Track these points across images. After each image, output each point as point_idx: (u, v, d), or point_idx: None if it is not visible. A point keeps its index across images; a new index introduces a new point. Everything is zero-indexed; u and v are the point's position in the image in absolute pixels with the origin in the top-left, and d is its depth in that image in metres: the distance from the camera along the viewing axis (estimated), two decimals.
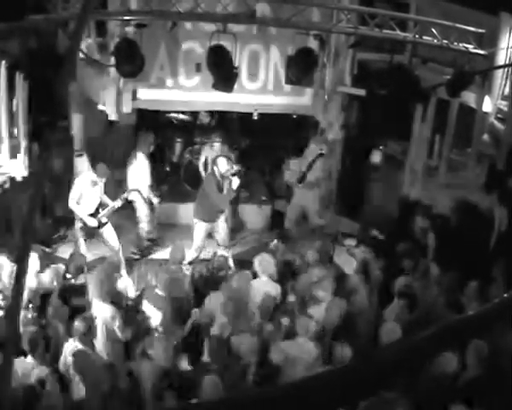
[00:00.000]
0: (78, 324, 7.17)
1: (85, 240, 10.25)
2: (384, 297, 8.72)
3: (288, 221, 12.20)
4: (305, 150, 12.17)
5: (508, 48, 9.57)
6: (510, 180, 9.60)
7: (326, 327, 7.80)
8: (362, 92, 11.50)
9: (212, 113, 13.21)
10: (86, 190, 9.97)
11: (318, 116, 12.42)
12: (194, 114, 13.33)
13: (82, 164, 10.98)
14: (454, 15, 9.83)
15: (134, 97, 11.35)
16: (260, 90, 11.86)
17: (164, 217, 12.47)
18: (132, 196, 10.81)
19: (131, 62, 9.35)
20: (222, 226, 10.87)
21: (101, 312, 7.75)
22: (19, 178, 9.62)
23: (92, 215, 10.09)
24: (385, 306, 8.48)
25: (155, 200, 11.18)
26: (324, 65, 11.67)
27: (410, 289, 8.44)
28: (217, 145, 12.10)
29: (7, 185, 9.52)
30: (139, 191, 10.90)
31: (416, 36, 9.73)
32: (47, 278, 8.48)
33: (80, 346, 7.03)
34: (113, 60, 9.61)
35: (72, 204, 9.96)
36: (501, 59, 9.67)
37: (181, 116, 13.38)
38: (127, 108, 11.28)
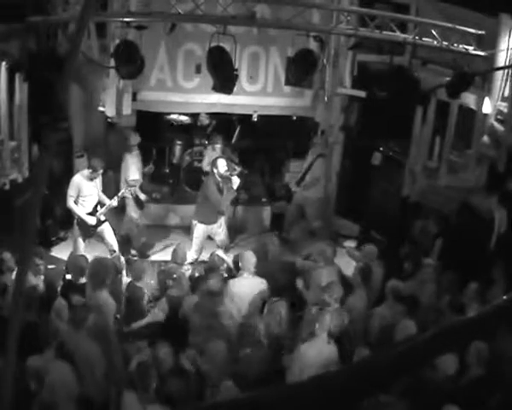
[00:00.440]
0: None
1: (84, 240, 10.26)
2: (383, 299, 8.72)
3: (288, 223, 12.22)
4: (308, 154, 12.20)
5: (508, 49, 9.56)
6: (510, 182, 9.60)
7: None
8: (362, 94, 11.51)
9: (211, 114, 13.20)
10: (83, 186, 9.96)
11: (318, 118, 12.44)
12: (194, 116, 13.32)
13: (82, 165, 10.98)
14: (454, 17, 9.83)
15: (134, 99, 11.37)
16: (260, 91, 11.88)
17: (164, 218, 12.50)
18: (126, 195, 10.81)
19: (131, 64, 9.35)
20: (221, 228, 10.88)
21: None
22: (19, 180, 9.64)
23: (90, 214, 10.10)
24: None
25: (142, 196, 11.14)
26: (324, 66, 11.68)
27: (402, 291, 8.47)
28: (218, 147, 12.10)
29: (7, 187, 9.53)
30: (132, 191, 10.92)
31: (416, 37, 9.72)
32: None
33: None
34: (113, 61, 9.61)
35: (70, 203, 9.96)
36: (501, 60, 9.66)
37: (181, 118, 13.38)
38: (127, 109, 11.30)
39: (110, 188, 10.85)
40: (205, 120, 13.43)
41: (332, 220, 12.51)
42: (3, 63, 8.95)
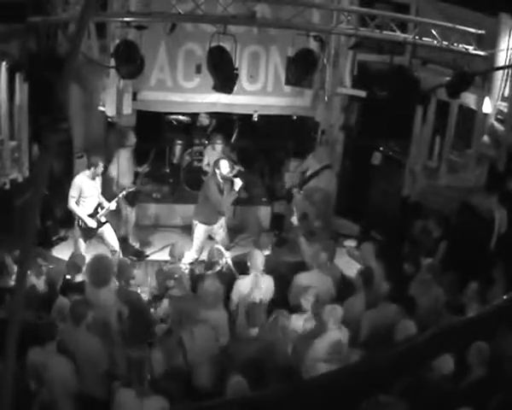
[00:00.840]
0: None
1: (85, 241, 10.26)
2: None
3: (288, 223, 12.20)
4: (310, 155, 12.17)
5: (507, 49, 9.56)
6: (510, 182, 9.60)
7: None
8: (362, 93, 11.51)
9: (211, 114, 13.20)
10: (85, 187, 9.98)
11: (318, 117, 12.44)
12: (194, 116, 13.32)
13: (82, 165, 10.98)
14: (454, 17, 9.83)
15: (134, 99, 11.38)
16: (260, 91, 11.88)
17: (164, 218, 12.50)
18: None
19: (131, 64, 9.36)
20: (222, 228, 10.87)
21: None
22: (19, 180, 9.64)
23: (91, 216, 10.11)
24: None
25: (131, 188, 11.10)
26: (324, 66, 11.69)
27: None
28: (218, 147, 12.10)
29: (7, 186, 9.54)
30: (131, 193, 10.92)
31: (416, 37, 9.72)
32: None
33: None
34: (113, 61, 9.61)
35: (71, 203, 9.97)
36: (501, 60, 9.66)
37: (180, 117, 13.38)
38: (127, 109, 11.30)
39: (110, 189, 10.84)
40: (205, 120, 13.44)
41: (332, 220, 12.50)
42: (4, 63, 8.96)
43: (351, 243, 11.84)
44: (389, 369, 2.59)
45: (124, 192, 10.65)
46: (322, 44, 10.88)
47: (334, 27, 10.01)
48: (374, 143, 12.03)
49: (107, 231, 10.35)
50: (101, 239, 10.45)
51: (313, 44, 10.63)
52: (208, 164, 12.16)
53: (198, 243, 10.68)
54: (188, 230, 11.45)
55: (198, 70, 11.23)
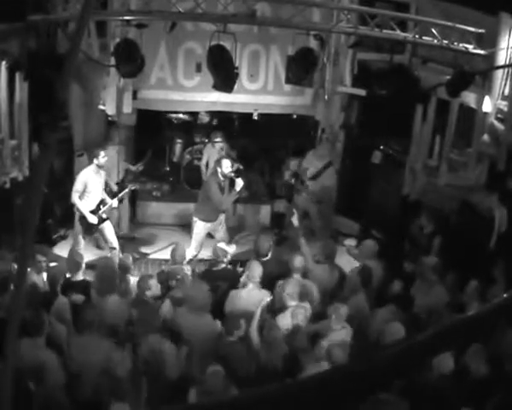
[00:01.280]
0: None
1: (85, 237, 10.27)
2: (382, 299, 8.72)
3: (289, 222, 12.20)
4: (309, 152, 12.17)
5: (508, 48, 9.56)
6: (511, 180, 9.60)
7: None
8: (362, 92, 11.51)
9: (212, 113, 13.20)
10: (90, 181, 10.02)
11: (318, 116, 12.44)
12: (194, 114, 13.32)
13: (82, 164, 10.99)
14: (454, 15, 9.82)
15: (134, 97, 11.38)
16: (260, 90, 11.88)
17: (164, 217, 12.50)
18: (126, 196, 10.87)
19: (131, 62, 9.36)
20: (221, 225, 10.87)
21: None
22: (19, 179, 9.64)
23: (92, 212, 10.13)
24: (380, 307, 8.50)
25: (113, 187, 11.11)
26: (324, 65, 11.69)
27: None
28: (218, 145, 12.10)
29: (7, 185, 9.54)
30: (132, 191, 10.94)
31: (416, 36, 9.72)
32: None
33: None
34: (113, 60, 9.61)
35: (74, 197, 9.98)
36: (501, 59, 9.66)
37: (180, 116, 13.39)
38: (127, 108, 11.31)
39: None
40: (205, 119, 13.45)
41: (332, 219, 12.51)
42: (3, 62, 8.95)
43: (351, 242, 11.83)
44: (389, 368, 2.58)
45: (126, 190, 10.67)
46: (322, 43, 10.87)
47: (334, 26, 10.01)
48: (374, 142, 12.03)
49: (108, 228, 10.37)
50: (101, 236, 10.46)
51: (313, 43, 10.63)
52: (207, 163, 12.17)
53: (197, 240, 10.68)
54: (188, 228, 11.45)
55: (198, 69, 11.23)
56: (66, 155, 11.18)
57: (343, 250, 10.68)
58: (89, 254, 10.04)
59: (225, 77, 9.55)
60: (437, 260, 9.23)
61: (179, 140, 13.19)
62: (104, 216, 10.27)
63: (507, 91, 9.72)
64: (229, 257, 9.39)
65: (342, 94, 12.17)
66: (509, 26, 9.54)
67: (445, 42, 9.65)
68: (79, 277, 8.53)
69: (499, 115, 9.84)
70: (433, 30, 9.65)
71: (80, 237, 10.26)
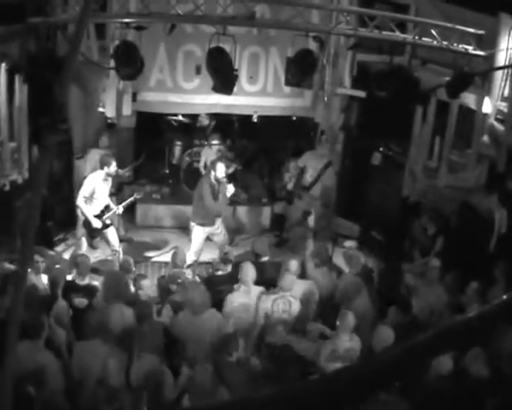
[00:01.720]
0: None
1: (87, 240, 10.27)
2: (383, 299, 8.72)
3: (290, 224, 12.20)
4: (306, 153, 12.16)
5: (507, 49, 9.55)
6: (510, 182, 9.59)
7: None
8: (361, 94, 11.51)
9: (211, 115, 13.20)
10: (98, 188, 10.01)
11: (318, 118, 12.45)
12: (194, 117, 13.33)
13: (82, 166, 10.99)
14: (453, 17, 9.82)
15: (134, 99, 11.38)
16: (260, 92, 11.89)
17: (163, 219, 12.50)
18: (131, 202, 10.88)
19: (131, 65, 9.36)
20: (220, 229, 10.83)
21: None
22: (19, 181, 9.63)
23: (97, 216, 10.12)
24: (383, 308, 8.49)
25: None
26: (324, 67, 11.70)
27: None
28: (215, 146, 12.09)
29: (7, 188, 9.53)
30: (136, 198, 10.94)
31: (416, 37, 9.72)
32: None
33: None
34: (112, 62, 9.61)
35: (80, 201, 9.96)
36: (500, 60, 9.66)
37: (180, 118, 13.39)
38: (127, 110, 11.32)
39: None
40: (204, 121, 13.44)
41: (332, 220, 12.51)
42: (3, 65, 8.95)
43: (351, 244, 11.83)
44: (390, 368, 2.58)
45: (132, 198, 10.67)
46: (321, 45, 10.87)
47: (333, 28, 10.01)
48: (373, 144, 12.02)
49: (110, 232, 10.36)
50: (103, 239, 10.46)
51: (313, 45, 10.63)
52: (205, 164, 12.17)
53: (196, 245, 10.64)
54: (187, 231, 11.45)
55: (198, 71, 11.24)
56: (66, 157, 11.17)
57: (343, 252, 10.66)
58: (91, 257, 10.02)
59: (225, 79, 9.55)
60: (437, 261, 9.24)
61: (179, 142, 13.19)
62: (108, 222, 10.26)
63: (507, 92, 9.72)
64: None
65: (342, 96, 12.18)
66: (508, 27, 9.54)
67: (445, 43, 9.65)
68: (83, 281, 8.51)
69: (499, 116, 9.84)
70: (433, 31, 9.65)
71: (83, 239, 10.25)
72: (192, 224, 10.77)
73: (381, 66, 10.47)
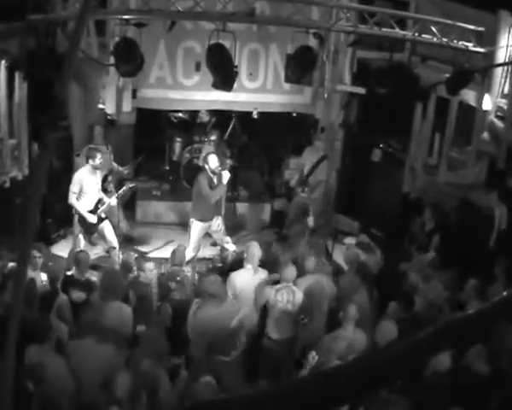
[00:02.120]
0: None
1: (85, 237, 10.28)
2: (382, 296, 8.72)
3: (289, 221, 12.20)
4: (306, 149, 12.17)
5: (507, 46, 9.55)
6: (510, 178, 9.60)
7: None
8: (361, 90, 11.52)
9: (211, 112, 13.20)
10: (86, 182, 10.00)
11: (318, 115, 12.44)
12: (194, 113, 13.33)
13: (82, 163, 10.99)
14: (453, 13, 9.82)
15: (134, 96, 11.38)
16: (260, 88, 11.89)
17: (164, 216, 12.51)
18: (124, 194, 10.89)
19: (131, 61, 9.35)
20: (219, 225, 10.84)
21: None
22: (19, 178, 9.64)
23: (91, 212, 10.13)
24: (381, 305, 8.50)
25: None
26: (324, 63, 11.69)
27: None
28: (213, 142, 12.09)
29: (7, 185, 9.54)
30: (131, 188, 10.95)
31: (416, 34, 9.72)
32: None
33: None
34: (112, 59, 9.62)
35: (72, 199, 9.98)
36: (500, 57, 9.66)
37: (180, 115, 13.39)
38: (127, 107, 11.32)
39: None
40: (204, 117, 13.43)
41: (332, 217, 12.51)
42: (3, 61, 8.95)
43: (351, 241, 11.83)
44: (389, 366, 2.58)
45: (124, 188, 10.67)
46: (321, 41, 10.86)
47: (333, 24, 10.01)
48: (373, 140, 12.03)
49: (107, 228, 10.36)
50: (101, 236, 10.46)
51: (312, 42, 10.64)
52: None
53: (195, 241, 10.65)
54: (187, 227, 11.45)
55: (197, 68, 11.24)
56: (66, 154, 11.17)
57: (343, 248, 10.67)
58: (89, 253, 10.02)
59: (225, 76, 9.56)
60: (434, 256, 9.26)
61: (179, 139, 13.18)
62: (103, 215, 10.27)
63: (506, 89, 9.72)
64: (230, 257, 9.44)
65: (342, 92, 12.17)
66: (508, 24, 9.54)
67: (445, 40, 9.65)
68: (81, 276, 8.51)
69: (499, 113, 9.84)
70: (433, 28, 9.65)
71: (80, 236, 10.25)
72: (191, 219, 10.78)
73: (380, 62, 10.47)
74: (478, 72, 9.81)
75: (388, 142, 11.91)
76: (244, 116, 12.88)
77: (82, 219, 10.13)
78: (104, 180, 10.73)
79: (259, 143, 13.76)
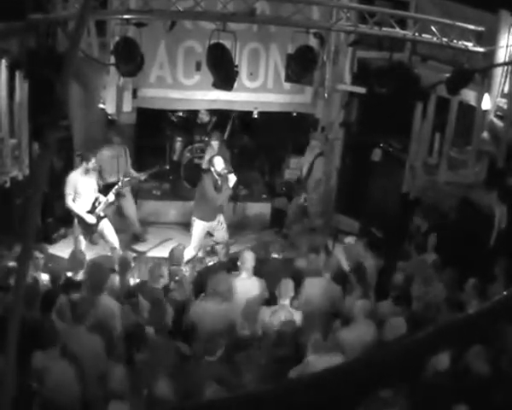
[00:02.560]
0: None
1: (85, 238, 10.28)
2: (380, 295, 8.74)
3: (289, 221, 12.22)
4: (307, 149, 12.21)
5: (507, 46, 9.55)
6: (510, 178, 9.60)
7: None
8: (362, 90, 11.52)
9: (211, 111, 13.20)
10: (79, 183, 10.00)
11: (318, 114, 12.45)
12: (194, 113, 13.33)
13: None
14: (453, 13, 9.83)
15: (134, 96, 11.38)
16: (260, 88, 11.89)
17: (164, 215, 12.51)
18: (121, 190, 10.89)
19: (131, 61, 9.36)
20: (221, 225, 10.86)
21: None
22: (19, 178, 9.65)
23: (89, 212, 10.14)
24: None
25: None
26: (324, 63, 11.69)
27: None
28: (215, 144, 12.11)
29: (8, 184, 9.55)
30: (129, 182, 10.98)
31: (416, 34, 9.73)
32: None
33: None
34: (112, 59, 9.62)
35: (68, 201, 10.00)
36: (500, 57, 9.66)
37: (180, 114, 13.39)
38: (127, 106, 11.33)
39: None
40: (205, 117, 13.43)
41: (332, 217, 12.52)
42: (3, 61, 8.96)
43: (351, 240, 11.84)
44: (389, 365, 2.59)
45: (120, 184, 10.66)
46: (321, 41, 10.86)
47: (333, 24, 10.02)
48: (374, 140, 12.03)
49: (107, 228, 10.38)
50: (101, 236, 10.47)
51: (313, 41, 10.64)
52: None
53: (196, 240, 10.68)
54: (188, 227, 11.46)
55: (198, 67, 11.24)
56: (66, 154, 11.19)
57: (343, 248, 10.69)
58: (90, 254, 10.03)
59: (225, 75, 9.57)
60: (434, 257, 9.26)
61: (179, 138, 13.18)
62: (102, 214, 10.29)
63: (506, 89, 9.72)
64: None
65: (342, 92, 12.17)
66: (508, 24, 9.54)
67: (445, 40, 9.66)
68: (81, 276, 8.52)
69: (499, 113, 9.84)
70: (433, 28, 9.65)
71: (81, 237, 10.26)
72: (193, 218, 10.80)
73: (381, 62, 10.47)
74: (478, 72, 9.81)
75: (388, 141, 11.91)
76: (244, 116, 12.89)
77: (81, 220, 10.16)
78: (113, 184, 10.71)
79: (260, 142, 13.76)
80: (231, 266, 9.20)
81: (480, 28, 9.74)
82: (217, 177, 10.52)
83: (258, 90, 11.91)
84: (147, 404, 6.24)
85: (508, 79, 9.69)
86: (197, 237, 10.67)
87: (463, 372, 6.52)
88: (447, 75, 9.85)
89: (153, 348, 7.05)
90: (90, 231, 10.28)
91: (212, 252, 10.11)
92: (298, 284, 8.56)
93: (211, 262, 9.60)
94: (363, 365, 2.71)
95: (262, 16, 10.15)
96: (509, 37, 9.54)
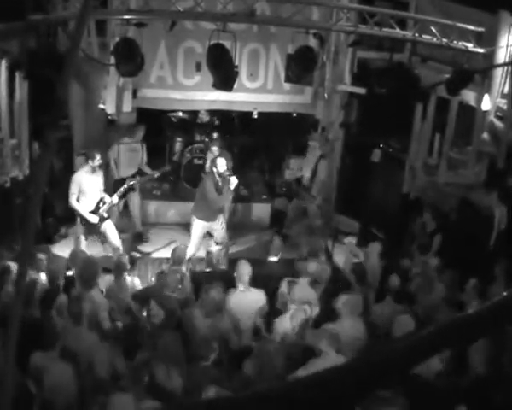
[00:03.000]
0: None
1: (86, 238, 10.28)
2: (380, 296, 8.73)
3: (289, 220, 12.22)
4: (307, 150, 12.22)
5: (507, 46, 9.57)
6: (510, 179, 9.61)
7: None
8: (362, 91, 11.52)
9: (211, 112, 13.21)
10: (84, 182, 9.99)
11: (318, 115, 12.45)
12: (194, 113, 13.34)
13: (82, 163, 11.00)
14: (453, 14, 9.83)
15: (134, 96, 11.39)
16: (260, 88, 11.89)
17: (164, 215, 12.52)
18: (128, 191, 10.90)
19: (131, 61, 9.36)
20: (221, 225, 10.84)
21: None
22: (20, 178, 9.65)
23: (92, 212, 10.12)
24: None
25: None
26: (324, 63, 11.70)
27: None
28: (215, 147, 12.11)
29: (8, 184, 9.55)
30: (133, 185, 10.98)
31: (416, 34, 9.74)
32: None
33: None
34: (113, 59, 9.63)
35: (72, 201, 9.96)
36: (500, 57, 9.67)
37: (180, 115, 13.40)
38: (127, 106, 11.32)
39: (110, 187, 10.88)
40: (205, 118, 13.44)
41: (332, 217, 12.52)
42: (4, 61, 8.97)
43: (351, 241, 11.85)
44: (389, 365, 2.58)
45: (125, 185, 10.66)
46: (321, 42, 10.86)
47: (333, 25, 10.03)
48: (374, 140, 12.04)
49: (109, 229, 10.34)
50: (103, 236, 10.45)
51: (313, 42, 10.64)
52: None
53: (195, 239, 10.65)
54: (188, 227, 11.45)
55: (198, 68, 11.25)
56: (67, 154, 11.19)
57: (343, 248, 10.69)
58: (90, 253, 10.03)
59: (225, 76, 9.57)
60: (437, 259, 9.26)
61: (179, 139, 13.20)
62: (105, 215, 10.25)
63: (506, 89, 9.73)
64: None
65: (342, 92, 12.18)
66: (508, 25, 9.55)
67: (445, 40, 9.66)
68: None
69: (499, 113, 9.86)
70: (433, 28, 9.66)
71: (82, 237, 10.25)
72: (193, 217, 10.79)
73: (381, 63, 10.50)
74: (478, 72, 9.82)
75: (388, 142, 11.92)
76: (244, 116, 12.89)
77: (84, 220, 10.13)
78: (123, 181, 10.74)
79: (260, 142, 13.77)
80: (227, 277, 8.92)
81: (480, 29, 9.75)
82: (218, 178, 10.48)
83: (258, 91, 11.91)
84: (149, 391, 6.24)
85: (508, 80, 9.70)
86: (196, 236, 10.65)
87: (463, 372, 6.53)
88: (447, 76, 9.85)
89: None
90: (92, 231, 10.27)
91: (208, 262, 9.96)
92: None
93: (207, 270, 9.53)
94: (363, 364, 2.70)
95: (262, 17, 10.15)
96: (508, 37, 9.56)
